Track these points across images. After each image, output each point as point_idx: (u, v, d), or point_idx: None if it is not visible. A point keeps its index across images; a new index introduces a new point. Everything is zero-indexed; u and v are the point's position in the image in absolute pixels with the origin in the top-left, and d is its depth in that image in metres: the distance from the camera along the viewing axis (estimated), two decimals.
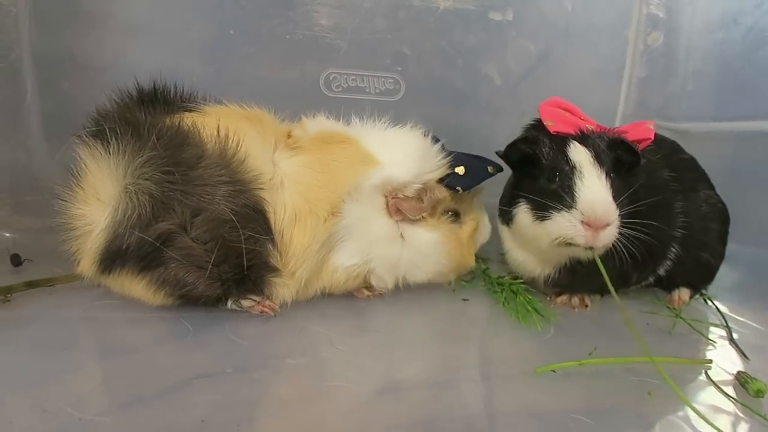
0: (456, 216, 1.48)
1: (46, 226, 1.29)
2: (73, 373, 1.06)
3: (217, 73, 1.75)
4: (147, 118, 1.21)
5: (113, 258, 1.20)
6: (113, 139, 1.18)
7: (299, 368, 1.12)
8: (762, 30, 1.80)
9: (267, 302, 1.32)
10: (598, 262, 1.30)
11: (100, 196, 1.21)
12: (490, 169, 1.47)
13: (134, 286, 1.25)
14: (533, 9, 2.03)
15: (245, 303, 1.31)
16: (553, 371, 1.13)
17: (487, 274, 1.68)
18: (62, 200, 1.24)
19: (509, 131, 1.70)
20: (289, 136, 1.41)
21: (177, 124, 1.23)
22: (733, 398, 1.09)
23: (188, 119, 1.25)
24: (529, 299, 1.46)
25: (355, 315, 1.41)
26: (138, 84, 1.29)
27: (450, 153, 1.44)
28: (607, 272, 1.36)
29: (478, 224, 1.55)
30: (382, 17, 1.88)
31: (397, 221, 1.40)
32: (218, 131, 1.23)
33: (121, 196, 1.17)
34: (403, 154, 1.40)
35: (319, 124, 1.45)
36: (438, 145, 1.44)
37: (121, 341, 1.19)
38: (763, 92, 1.80)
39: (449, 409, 1.01)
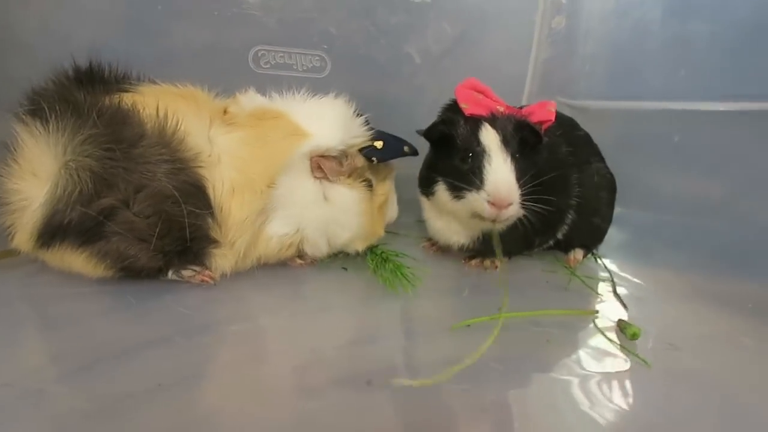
0: (369, 186, 1.57)
1: None
2: (20, 347, 1.10)
3: (146, 49, 1.73)
4: (87, 98, 1.24)
5: (53, 232, 1.23)
6: (52, 117, 1.20)
7: (242, 334, 1.21)
8: (647, 23, 2.01)
9: (207, 272, 1.39)
10: (495, 236, 1.52)
11: (36, 172, 1.23)
12: (405, 149, 1.59)
13: (74, 259, 1.29)
14: None
15: (186, 273, 1.38)
16: (468, 326, 1.29)
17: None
18: None
19: (429, 107, 1.84)
20: (225, 112, 1.45)
21: (117, 103, 1.26)
22: (614, 342, 1.30)
23: (127, 99, 1.28)
24: (398, 265, 1.57)
25: (288, 284, 1.51)
26: (74, 62, 1.29)
27: (371, 129, 1.55)
28: (511, 238, 1.62)
29: (388, 200, 1.66)
30: None
31: (319, 180, 1.48)
32: (157, 111, 1.27)
33: (60, 172, 1.20)
34: (329, 122, 1.48)
35: (252, 99, 1.51)
36: (361, 118, 1.55)
37: (65, 315, 1.22)
38: (648, 77, 2.02)
39: (379, 362, 1.14)
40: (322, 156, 1.46)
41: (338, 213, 1.50)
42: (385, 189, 1.65)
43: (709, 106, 1.79)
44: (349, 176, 1.52)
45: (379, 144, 1.53)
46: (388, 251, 1.66)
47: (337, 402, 0.99)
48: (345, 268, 1.62)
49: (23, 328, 1.18)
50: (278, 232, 1.46)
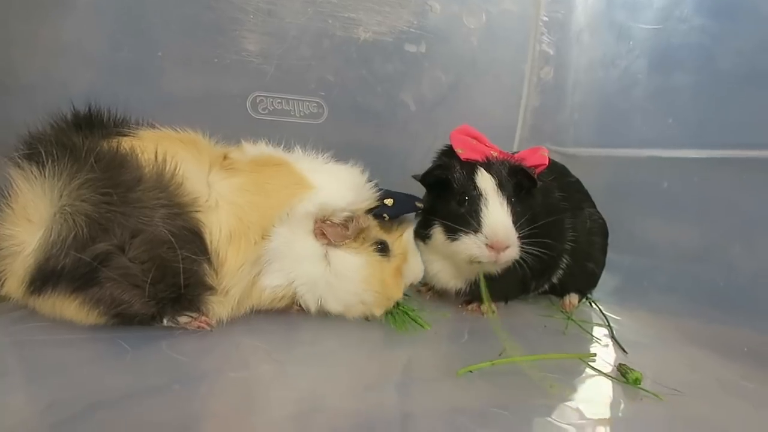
0: (384, 248, 1.51)
1: None
2: (12, 395, 1.05)
3: (146, 95, 1.75)
4: (85, 142, 1.23)
5: (46, 278, 1.20)
6: (49, 161, 1.19)
7: (241, 381, 1.18)
8: (634, 72, 2.09)
9: (203, 318, 1.36)
10: (482, 281, 1.49)
11: (30, 217, 1.21)
12: (417, 203, 1.56)
13: (66, 306, 1.25)
14: (444, 43, 2.21)
15: (182, 319, 1.35)
16: (471, 372, 1.27)
17: None
18: None
19: (424, 152, 1.87)
20: (225, 158, 1.45)
21: (115, 147, 1.25)
22: (621, 386, 1.28)
23: (125, 143, 1.28)
24: (406, 308, 1.56)
25: (284, 329, 1.48)
26: (73, 107, 1.30)
27: (380, 190, 1.53)
28: (508, 282, 1.61)
29: (408, 259, 1.57)
30: (307, 45, 1.97)
31: (322, 244, 1.45)
32: (156, 155, 1.27)
33: (55, 217, 1.18)
34: (340, 182, 1.47)
35: (258, 149, 1.51)
36: (371, 183, 1.53)
37: (58, 363, 1.18)
38: (635, 125, 2.08)
39: (383, 409, 1.11)
40: (325, 223, 1.43)
41: (334, 277, 1.44)
42: (402, 247, 1.56)
43: (696, 153, 1.84)
44: (356, 240, 1.47)
45: (389, 202, 1.50)
46: None
47: None
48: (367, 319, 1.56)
49: (14, 376, 1.13)
50: (271, 284, 1.43)
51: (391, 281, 1.51)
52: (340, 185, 1.47)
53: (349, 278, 1.45)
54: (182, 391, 1.10)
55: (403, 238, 1.57)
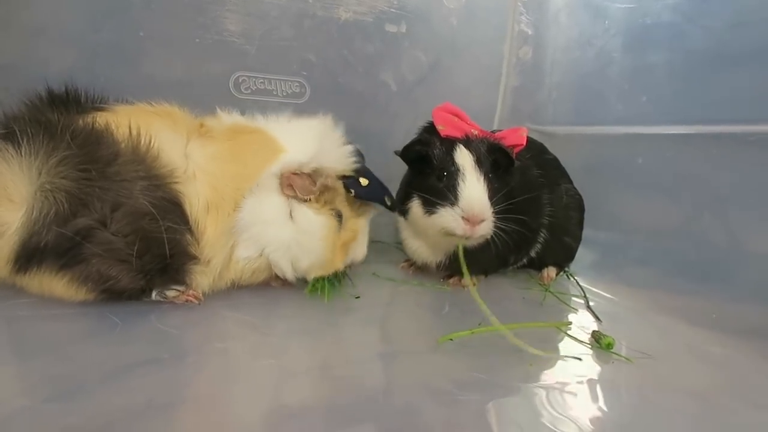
0: (338, 217, 1.52)
1: None
2: (5, 368, 1.07)
3: (128, 75, 1.75)
4: (60, 119, 1.23)
5: (30, 255, 1.21)
6: (24, 140, 1.20)
7: (228, 351, 1.21)
8: (609, 51, 2.13)
9: (191, 291, 1.39)
10: (460, 253, 1.50)
11: (11, 197, 1.21)
12: (386, 199, 1.57)
13: (55, 283, 1.27)
14: (424, 23, 2.24)
15: (170, 293, 1.37)
16: (451, 339, 1.32)
17: None
18: None
19: (404, 132, 1.89)
20: (202, 125, 1.46)
21: (90, 123, 1.26)
22: (593, 350, 1.34)
23: (100, 119, 1.28)
24: (334, 279, 1.59)
25: (270, 303, 1.51)
26: (48, 86, 1.30)
27: (359, 163, 1.54)
28: (487, 256, 1.65)
29: (356, 238, 1.59)
30: (289, 25, 1.99)
31: (287, 197, 1.44)
32: (130, 129, 1.27)
33: (36, 195, 1.19)
34: (303, 136, 1.47)
35: (233, 117, 1.53)
36: (348, 147, 1.54)
37: (49, 337, 1.19)
38: (611, 103, 2.13)
39: (369, 377, 1.15)
40: (294, 173, 1.43)
41: (301, 235, 1.45)
42: (356, 227, 1.59)
43: (669, 130, 1.90)
44: (318, 201, 1.47)
45: (364, 181, 1.52)
46: None
47: (335, 416, 0.99)
48: (357, 297, 1.60)
49: (4, 351, 1.14)
50: (243, 255, 1.45)
51: (339, 252, 1.54)
52: (304, 139, 1.47)
53: (311, 233, 1.45)
54: (172, 360, 1.13)
55: (360, 221, 1.59)
